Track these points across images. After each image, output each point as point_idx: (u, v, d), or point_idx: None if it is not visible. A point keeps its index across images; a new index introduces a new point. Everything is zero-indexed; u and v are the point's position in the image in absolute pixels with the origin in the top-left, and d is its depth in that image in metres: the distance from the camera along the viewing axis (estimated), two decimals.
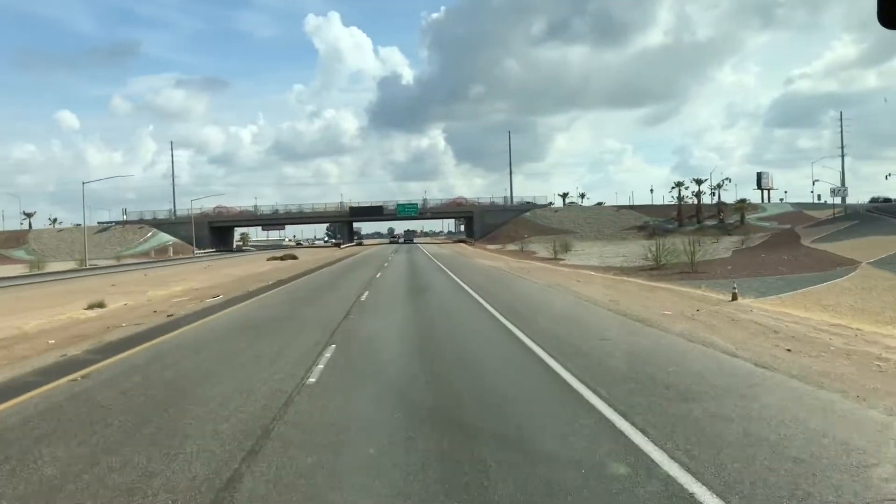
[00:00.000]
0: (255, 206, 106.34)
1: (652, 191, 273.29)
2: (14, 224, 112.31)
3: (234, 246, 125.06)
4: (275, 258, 54.47)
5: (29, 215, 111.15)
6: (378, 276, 28.52)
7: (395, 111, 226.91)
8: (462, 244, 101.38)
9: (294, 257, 54.54)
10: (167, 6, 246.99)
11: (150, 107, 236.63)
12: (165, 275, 36.10)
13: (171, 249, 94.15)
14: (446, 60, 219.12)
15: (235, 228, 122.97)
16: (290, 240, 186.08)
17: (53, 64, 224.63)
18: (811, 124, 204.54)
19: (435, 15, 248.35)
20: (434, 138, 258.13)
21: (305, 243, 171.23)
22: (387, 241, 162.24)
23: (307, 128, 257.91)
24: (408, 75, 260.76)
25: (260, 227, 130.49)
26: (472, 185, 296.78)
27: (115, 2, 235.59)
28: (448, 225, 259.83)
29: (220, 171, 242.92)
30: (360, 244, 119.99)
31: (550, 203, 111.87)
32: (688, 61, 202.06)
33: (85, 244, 72.13)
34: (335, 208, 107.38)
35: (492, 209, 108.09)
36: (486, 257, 48.67)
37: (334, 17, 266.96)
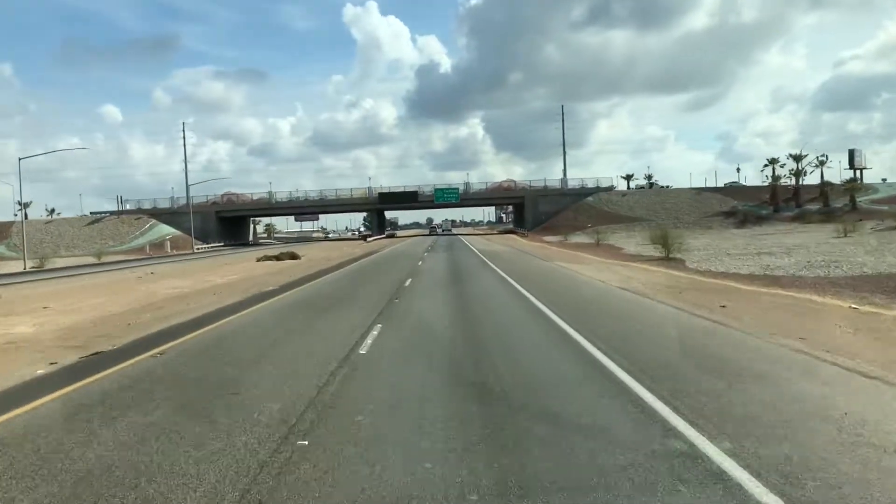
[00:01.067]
0: (270, 193, 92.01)
1: (691, 177, 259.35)
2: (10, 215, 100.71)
3: (252, 238, 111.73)
4: (268, 257, 40.07)
5: (25, 206, 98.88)
6: (376, 325, 13.42)
7: (433, 100, 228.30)
8: (512, 235, 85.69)
9: (295, 256, 40.11)
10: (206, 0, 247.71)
11: (191, 99, 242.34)
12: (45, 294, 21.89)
13: (168, 244, 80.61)
14: (485, 48, 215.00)
15: (252, 219, 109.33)
16: (320, 230, 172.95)
17: (96, 57, 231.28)
18: (863, 107, 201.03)
19: (473, 1, 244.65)
20: (473, 127, 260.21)
21: (334, 234, 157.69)
22: (425, 231, 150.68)
23: (346, 118, 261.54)
24: (446, 63, 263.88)
25: (292, 217, 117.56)
26: (512, 174, 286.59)
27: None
28: (488, 214, 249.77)
29: (260, 163, 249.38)
30: (392, 236, 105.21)
31: (612, 186, 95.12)
32: (733, 44, 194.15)
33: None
34: (362, 195, 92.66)
35: (546, 194, 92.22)
36: (563, 258, 33.50)
37: (372, 6, 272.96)
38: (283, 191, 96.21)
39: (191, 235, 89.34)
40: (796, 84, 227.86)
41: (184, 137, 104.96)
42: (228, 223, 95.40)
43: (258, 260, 40.20)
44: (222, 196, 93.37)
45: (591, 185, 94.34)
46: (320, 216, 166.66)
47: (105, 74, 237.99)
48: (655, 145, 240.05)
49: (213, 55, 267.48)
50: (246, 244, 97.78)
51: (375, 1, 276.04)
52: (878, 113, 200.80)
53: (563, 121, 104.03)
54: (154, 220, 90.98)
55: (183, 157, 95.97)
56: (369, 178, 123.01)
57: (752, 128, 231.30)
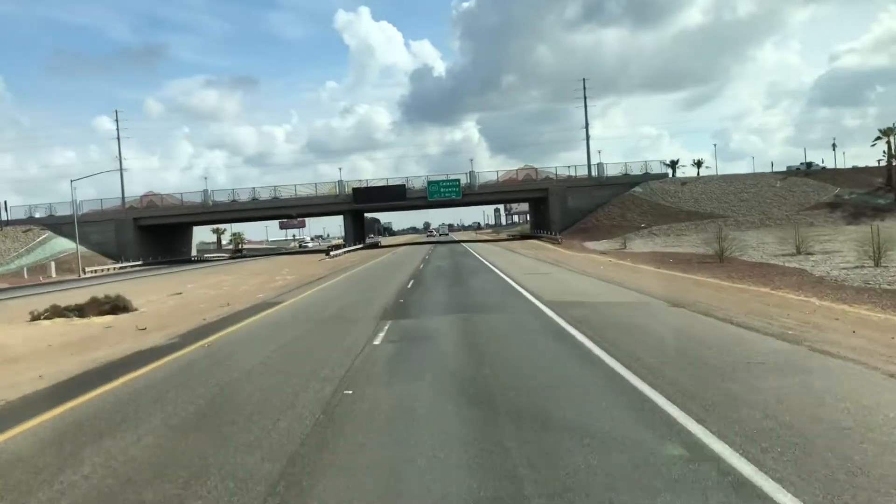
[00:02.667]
0: (206, 193, 69.27)
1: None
2: None
3: (195, 253, 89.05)
4: (56, 311, 17.15)
5: None
6: None
7: (427, 104, 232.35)
8: (535, 242, 63.22)
9: (120, 307, 16.96)
10: (196, 9, 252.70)
11: (183, 109, 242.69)
12: None
13: (52, 266, 57.81)
14: (478, 50, 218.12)
15: (194, 227, 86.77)
16: (309, 240, 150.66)
17: (87, 69, 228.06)
18: (858, 102, 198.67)
19: (466, 4, 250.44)
20: (468, 130, 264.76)
21: (313, 244, 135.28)
22: (421, 237, 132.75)
23: (340, 124, 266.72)
24: (440, 67, 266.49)
25: (272, 222, 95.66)
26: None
27: (145, 7, 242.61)
28: (487, 216, 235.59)
29: (255, 172, 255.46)
30: (375, 245, 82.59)
31: (666, 173, 72.77)
32: (727, 41, 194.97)
33: None
34: (330, 192, 69.84)
35: (578, 185, 70.03)
36: (742, 303, 10.85)
37: (364, 12, 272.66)
38: (223, 189, 73.52)
39: (102, 252, 66.85)
40: (791, 80, 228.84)
41: (117, 129, 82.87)
42: (157, 234, 72.93)
43: (37, 318, 17.94)
44: (142, 199, 70.66)
45: (635, 171, 71.79)
46: (306, 220, 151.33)
47: (97, 86, 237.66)
48: (649, 144, 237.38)
49: (205, 65, 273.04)
50: (187, 260, 75.21)
51: (367, 6, 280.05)
52: (872, 108, 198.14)
53: (584, 97, 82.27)
54: (49, 233, 68.23)
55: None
56: (340, 170, 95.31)
57: (748, 125, 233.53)
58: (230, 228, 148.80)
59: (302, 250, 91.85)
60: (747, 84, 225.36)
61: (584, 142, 77.46)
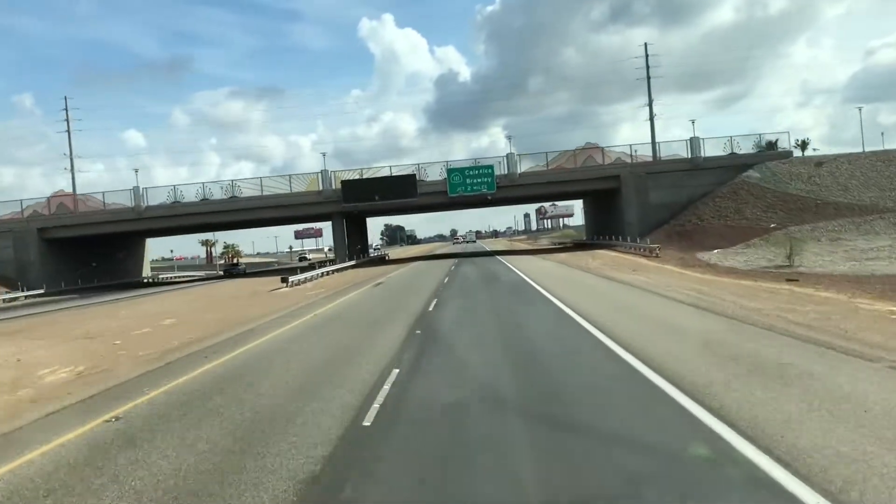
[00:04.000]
0: (136, 193, 49.85)
1: None
2: None
3: (149, 275, 70.06)
4: None
5: None
6: None
7: (453, 111, 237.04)
8: (609, 254, 42.56)
9: None
10: (224, 24, 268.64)
11: (209, 120, 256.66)
12: None
13: None
14: (504, 54, 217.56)
15: (147, 239, 67.80)
16: (297, 252, 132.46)
17: (116, 83, 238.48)
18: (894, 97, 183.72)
19: (490, 8, 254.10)
20: (494, 135, 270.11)
21: (320, 255, 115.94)
22: (445, 245, 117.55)
23: (366, 133, 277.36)
24: (465, 73, 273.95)
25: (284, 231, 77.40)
26: None
27: (173, 23, 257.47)
28: (517, 219, 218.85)
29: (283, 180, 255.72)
30: (381, 261, 62.72)
31: (789, 151, 51.53)
32: (760, 38, 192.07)
33: None
34: (311, 186, 49.96)
35: (665, 169, 49.38)
36: None
37: (388, 19, 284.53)
38: (161, 186, 54.11)
39: (11, 271, 48.28)
40: (825, 77, 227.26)
41: (67, 118, 64.62)
42: (79, 249, 53.64)
43: None
44: (49, 201, 51.41)
45: (745, 147, 50.82)
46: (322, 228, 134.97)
47: (125, 99, 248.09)
48: (680, 147, 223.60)
49: (232, 77, 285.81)
50: (130, 285, 56.01)
51: (391, 14, 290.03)
52: None
53: (647, 62, 61.51)
54: None
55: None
56: (323, 156, 74.32)
57: (780, 123, 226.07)
58: (221, 237, 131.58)
59: (282, 268, 71.93)
60: (779, 82, 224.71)
61: (612, 144, 56.46)
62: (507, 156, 51.27)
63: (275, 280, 38.94)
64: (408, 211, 65.94)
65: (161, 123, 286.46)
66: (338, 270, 45.66)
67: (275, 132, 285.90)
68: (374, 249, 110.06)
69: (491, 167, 50.84)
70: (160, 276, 73.08)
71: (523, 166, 51.27)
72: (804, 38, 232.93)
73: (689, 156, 50.74)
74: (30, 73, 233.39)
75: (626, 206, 50.33)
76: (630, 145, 51.59)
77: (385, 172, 51.77)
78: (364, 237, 67.37)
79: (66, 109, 67.57)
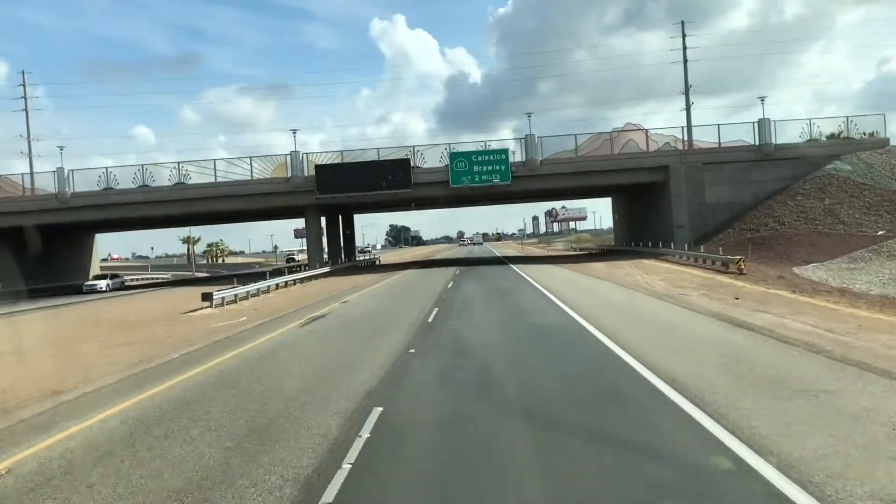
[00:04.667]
0: (61, 175, 39.53)
1: None
2: None
3: (90, 281, 59.74)
4: None
5: None
6: None
7: (463, 112, 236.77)
8: (660, 266, 31.60)
9: None
10: (234, 22, 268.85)
11: (218, 117, 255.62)
12: None
13: None
14: (514, 57, 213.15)
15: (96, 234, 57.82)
16: (295, 254, 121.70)
17: (127, 79, 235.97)
18: None
19: (502, 10, 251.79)
20: (503, 137, 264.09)
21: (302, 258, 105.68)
22: (449, 248, 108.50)
23: (376, 132, 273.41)
24: (475, 74, 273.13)
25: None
26: None
27: (185, 20, 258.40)
28: (526, 221, 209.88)
29: None
30: (371, 266, 52.52)
31: (886, 139, 40.94)
32: (773, 44, 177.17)
33: None
34: (279, 172, 39.53)
35: (726, 159, 38.64)
36: None
37: (399, 20, 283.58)
38: (94, 168, 43.75)
39: None
40: (838, 85, 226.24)
41: (24, 95, 54.87)
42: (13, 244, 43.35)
43: None
44: None
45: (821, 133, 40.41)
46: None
47: (136, 96, 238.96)
48: (745, 133, 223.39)
49: (241, 75, 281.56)
50: (63, 289, 45.99)
51: (403, 15, 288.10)
52: None
53: (683, 42, 51.22)
54: None
55: None
56: (294, 133, 62.90)
57: (793, 132, 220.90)
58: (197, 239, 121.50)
59: (254, 273, 61.63)
60: (792, 89, 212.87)
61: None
62: (526, 138, 40.84)
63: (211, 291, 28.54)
64: (399, 206, 55.35)
65: (169, 119, 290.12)
66: (304, 280, 35.33)
67: (283, 130, 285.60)
68: (367, 251, 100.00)
69: (505, 152, 40.50)
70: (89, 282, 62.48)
71: (545, 152, 40.82)
72: (818, 46, 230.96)
73: (757, 142, 40.20)
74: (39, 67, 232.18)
75: (676, 204, 39.93)
76: (682, 127, 41.06)
77: (372, 157, 41.36)
78: (351, 237, 57.04)
79: (24, 85, 57.52)
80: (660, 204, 41.93)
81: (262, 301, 26.45)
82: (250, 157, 41.50)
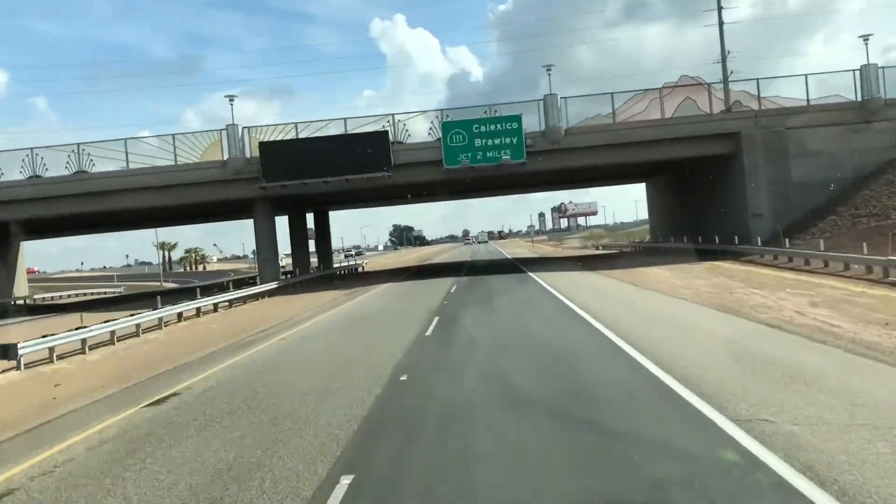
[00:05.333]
0: None
1: None
2: None
3: (23, 295, 49.40)
4: None
5: None
6: None
7: (467, 111, 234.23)
8: (733, 269, 20.60)
9: None
10: (235, 25, 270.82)
11: (222, 120, 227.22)
12: None
13: None
14: (517, 53, 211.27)
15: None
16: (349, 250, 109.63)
17: (129, 86, 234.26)
18: None
19: (503, 7, 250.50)
20: (516, 100, 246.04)
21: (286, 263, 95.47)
22: (453, 248, 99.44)
23: None
24: (477, 73, 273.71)
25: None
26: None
27: (186, 25, 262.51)
28: (532, 216, 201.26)
29: None
30: (352, 272, 42.20)
31: None
32: (777, 34, 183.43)
33: None
34: (209, 157, 28.50)
35: (820, 117, 27.41)
36: None
37: (400, 20, 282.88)
38: None
39: None
40: (842, 74, 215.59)
41: None
42: None
43: None
44: None
45: None
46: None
47: (138, 102, 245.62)
48: (844, 86, 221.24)
49: (244, 79, 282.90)
50: None
51: (403, 14, 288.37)
52: None
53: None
54: None
55: None
56: (230, 102, 46.71)
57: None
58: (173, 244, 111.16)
59: (211, 285, 51.13)
60: (794, 79, 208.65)
61: None
62: (546, 99, 30.28)
63: (67, 321, 18.04)
64: (382, 197, 44.06)
65: (174, 125, 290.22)
66: (236, 301, 24.88)
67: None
68: (352, 255, 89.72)
69: (517, 119, 29.96)
70: (35, 298, 51.65)
71: (573, 118, 30.35)
72: (821, 35, 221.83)
73: (860, 97, 29.62)
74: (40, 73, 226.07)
75: (752, 184, 29.38)
76: (756, 79, 30.33)
77: (337, 130, 30.85)
78: (325, 239, 46.46)
79: None
80: (725, 185, 31.38)
81: (128, 349, 16.05)
82: (173, 135, 31.01)
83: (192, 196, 31.57)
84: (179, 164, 30.77)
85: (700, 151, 30.79)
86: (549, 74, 30.88)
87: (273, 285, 29.10)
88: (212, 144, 30.85)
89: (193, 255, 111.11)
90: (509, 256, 52.92)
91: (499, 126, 29.89)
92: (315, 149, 29.92)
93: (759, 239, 28.15)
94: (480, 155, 29.73)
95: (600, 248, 60.22)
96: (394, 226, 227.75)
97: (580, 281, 24.18)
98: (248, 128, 30.92)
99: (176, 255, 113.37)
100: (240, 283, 33.81)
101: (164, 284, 73.42)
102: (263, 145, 30.12)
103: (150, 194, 30.97)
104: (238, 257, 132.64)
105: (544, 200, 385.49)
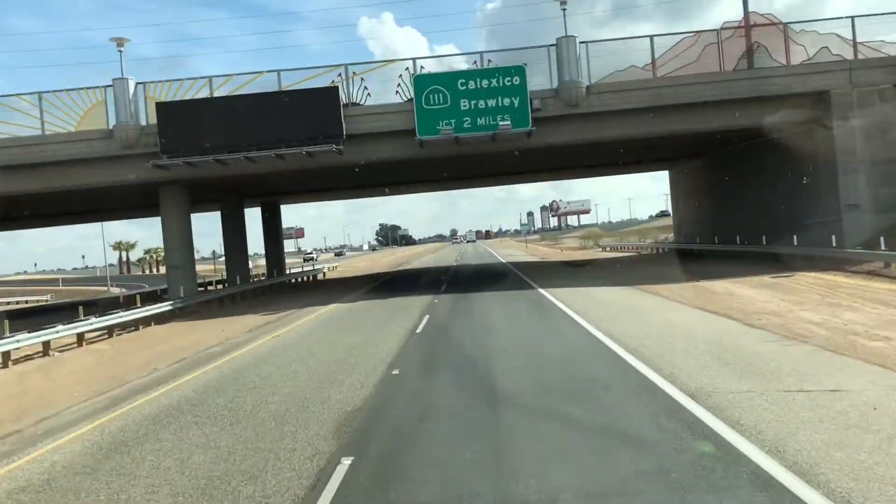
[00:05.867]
0: None
1: None
2: None
3: None
4: None
5: None
6: None
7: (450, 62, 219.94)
8: (871, 288, 11.39)
9: None
10: (221, 24, 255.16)
11: None
12: None
13: None
14: (505, 52, 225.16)
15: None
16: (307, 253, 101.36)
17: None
18: None
19: (490, 5, 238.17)
20: (517, 47, 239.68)
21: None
22: (432, 251, 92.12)
23: None
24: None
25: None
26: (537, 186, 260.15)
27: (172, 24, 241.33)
28: (521, 214, 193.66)
29: None
30: (311, 280, 33.61)
31: None
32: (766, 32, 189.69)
33: None
34: (87, 123, 19.46)
35: None
36: None
37: (387, 18, 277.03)
38: None
39: None
40: None
41: None
42: None
43: None
44: None
45: None
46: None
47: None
48: None
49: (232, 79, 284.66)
50: None
51: (391, 13, 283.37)
52: None
53: None
54: None
55: None
56: (119, 48, 39.71)
57: None
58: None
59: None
60: None
61: None
62: (560, 43, 21.76)
63: None
64: (337, 187, 34.18)
65: None
66: (116, 328, 16.28)
67: None
68: (310, 258, 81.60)
69: (520, 70, 21.46)
70: None
71: (597, 69, 21.92)
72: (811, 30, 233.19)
73: None
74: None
75: (845, 164, 21.06)
76: (851, 17, 21.96)
77: (268, 86, 22.16)
78: (276, 240, 37.62)
79: None
80: (801, 167, 22.98)
81: None
82: (39, 94, 22.24)
83: (72, 179, 22.77)
84: (46, 135, 22.03)
85: (773, 119, 22.32)
86: (564, 9, 22.26)
87: (165, 307, 20.27)
88: (93, 107, 22.13)
89: (154, 256, 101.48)
90: (503, 260, 44.23)
91: (494, 81, 21.38)
92: (235, 112, 21.26)
93: (862, 238, 19.92)
94: (469, 122, 21.21)
95: (607, 249, 51.86)
96: (380, 225, 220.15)
97: (635, 308, 15.51)
98: (144, 84, 22.21)
99: (137, 255, 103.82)
100: (145, 300, 25.05)
101: (112, 290, 65.01)
102: (162, 108, 21.37)
103: (15, 177, 22.15)
104: (206, 258, 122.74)
105: (534, 199, 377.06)
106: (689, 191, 36.69)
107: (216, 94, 21.84)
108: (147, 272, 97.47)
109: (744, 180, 27.77)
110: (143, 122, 22.07)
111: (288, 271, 41.64)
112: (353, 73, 21.91)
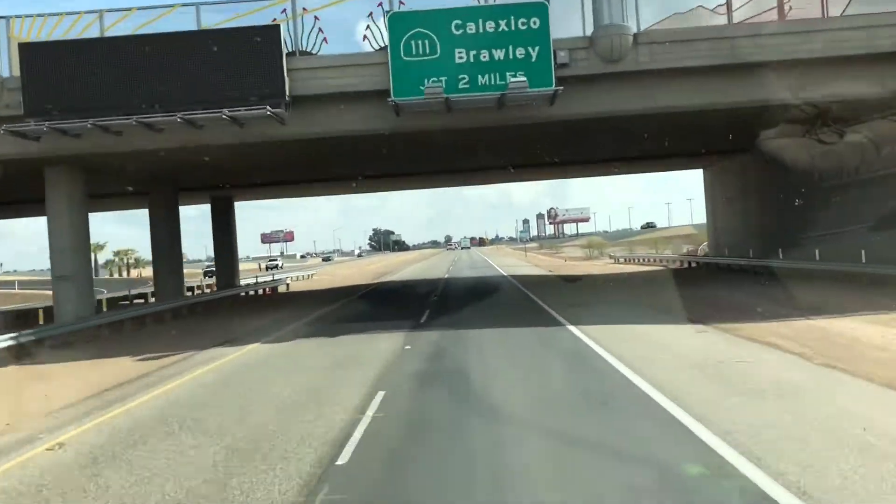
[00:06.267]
0: None
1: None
2: None
3: None
4: None
5: None
6: None
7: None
8: None
9: None
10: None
11: None
12: None
13: None
14: None
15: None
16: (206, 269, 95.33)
17: None
18: None
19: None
20: None
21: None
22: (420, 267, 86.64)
23: None
24: None
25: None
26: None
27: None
28: (517, 221, 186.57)
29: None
30: (274, 290, 26.56)
31: None
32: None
33: None
34: None
35: None
36: None
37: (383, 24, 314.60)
38: None
39: None
40: None
41: None
42: None
43: None
44: None
45: None
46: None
47: None
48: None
49: None
50: None
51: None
52: None
53: None
54: None
55: None
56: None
57: None
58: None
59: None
60: None
61: None
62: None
63: None
64: (303, 179, 27.17)
65: None
66: None
67: None
68: (273, 264, 76.29)
69: (540, 8, 15.06)
70: None
71: (645, 19, 15.67)
72: None
73: None
74: None
75: None
76: None
77: (185, 24, 15.75)
78: (228, 244, 31.09)
79: None
80: None
81: None
82: None
83: None
84: None
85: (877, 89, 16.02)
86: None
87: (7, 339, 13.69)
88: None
89: (124, 258, 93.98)
90: (504, 273, 37.64)
91: (503, 23, 15.01)
92: (130, 60, 14.80)
93: None
94: (466, 79, 14.85)
95: (620, 260, 45.51)
96: (374, 230, 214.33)
97: (754, 379, 8.96)
98: (7, 18, 15.75)
99: (105, 256, 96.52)
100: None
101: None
102: (27, 50, 14.92)
103: None
104: (192, 261, 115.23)
105: (529, 205, 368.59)
106: (730, 194, 30.33)
107: (108, 35, 15.44)
108: (114, 275, 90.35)
109: (828, 180, 21.36)
110: (6, 74, 15.67)
111: (255, 280, 35.30)
112: (304, 8, 15.51)
